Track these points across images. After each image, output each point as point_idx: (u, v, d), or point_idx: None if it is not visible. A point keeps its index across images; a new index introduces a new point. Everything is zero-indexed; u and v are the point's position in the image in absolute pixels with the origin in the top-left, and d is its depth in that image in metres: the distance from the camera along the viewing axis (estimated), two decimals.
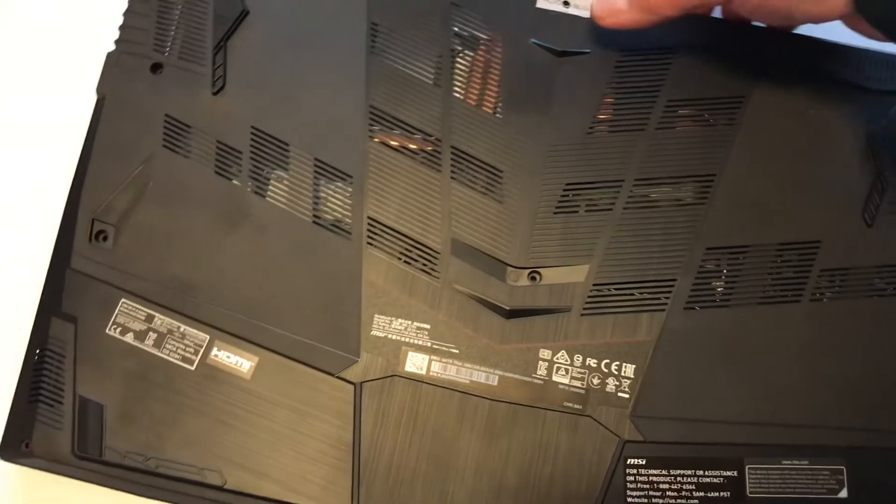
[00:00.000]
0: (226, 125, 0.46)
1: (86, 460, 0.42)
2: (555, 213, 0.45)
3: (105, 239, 0.45)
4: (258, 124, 0.46)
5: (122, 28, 0.48)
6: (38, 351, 0.43)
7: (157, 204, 0.45)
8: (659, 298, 0.44)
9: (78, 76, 0.51)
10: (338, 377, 0.43)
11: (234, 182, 0.46)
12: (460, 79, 0.47)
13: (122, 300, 0.44)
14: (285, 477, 0.42)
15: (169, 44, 0.48)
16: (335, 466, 0.42)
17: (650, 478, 0.42)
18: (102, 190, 0.45)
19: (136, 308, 0.44)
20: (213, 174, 0.46)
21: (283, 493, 0.42)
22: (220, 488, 0.42)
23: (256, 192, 0.45)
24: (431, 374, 0.43)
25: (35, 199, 0.50)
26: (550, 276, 0.45)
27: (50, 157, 0.50)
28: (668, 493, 0.42)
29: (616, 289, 0.44)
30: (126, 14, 0.48)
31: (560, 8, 0.48)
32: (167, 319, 0.44)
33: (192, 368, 0.43)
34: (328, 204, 0.45)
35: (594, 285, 0.44)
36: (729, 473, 0.42)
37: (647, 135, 0.46)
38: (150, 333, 0.44)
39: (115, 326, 0.44)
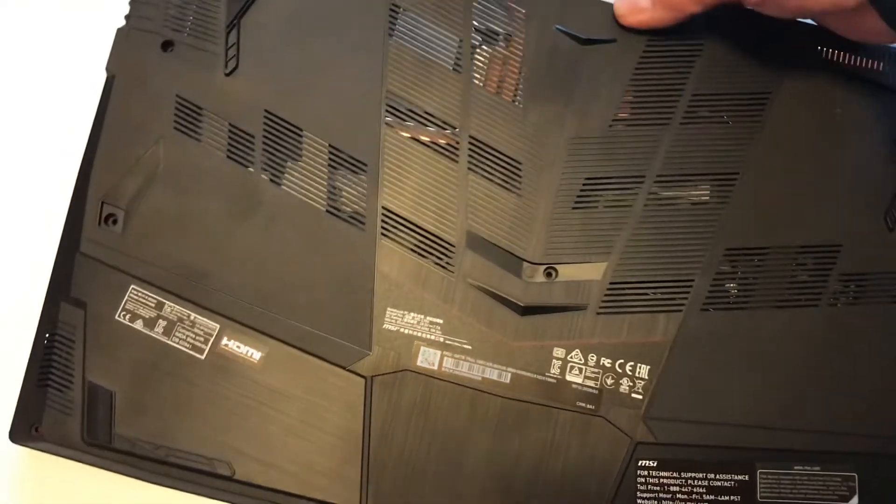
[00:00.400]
0: (238, 108, 0.45)
1: (95, 446, 0.42)
2: (573, 208, 0.44)
3: (115, 222, 0.44)
4: (271, 108, 0.45)
5: (132, 3, 0.46)
6: (47, 335, 0.43)
7: (168, 188, 0.44)
8: (676, 299, 0.43)
9: (88, 53, 0.49)
10: (349, 370, 0.43)
11: (247, 168, 0.45)
12: (481, 66, 0.46)
13: (132, 286, 0.43)
14: (294, 468, 0.42)
15: (180, 20, 0.46)
16: (344, 459, 0.42)
17: (661, 480, 0.42)
18: (112, 172, 0.44)
19: (146, 295, 0.43)
20: (225, 159, 0.45)
21: (291, 484, 0.42)
22: (229, 478, 0.42)
23: (269, 179, 0.44)
24: (443, 369, 0.43)
25: (44, 179, 0.49)
26: (567, 272, 0.44)
27: (60, 136, 0.49)
28: (678, 495, 0.42)
29: (633, 288, 0.44)
30: None
31: None
32: (177, 307, 0.43)
33: (202, 357, 0.43)
34: (342, 193, 0.45)
35: (611, 283, 0.43)
36: (740, 477, 0.42)
37: (671, 129, 0.45)
38: (160, 321, 0.43)
39: (124, 313, 0.43)
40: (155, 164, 0.45)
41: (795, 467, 0.42)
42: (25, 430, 0.42)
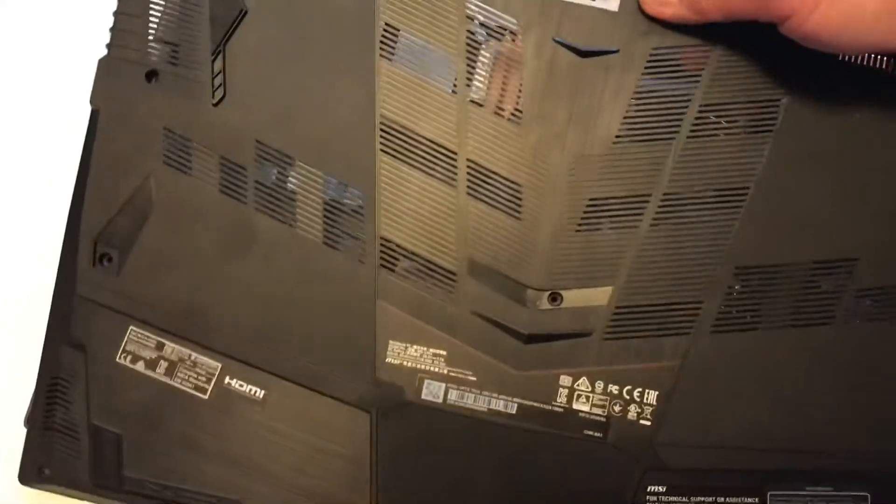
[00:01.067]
0: (228, 139, 0.44)
1: (104, 488, 0.42)
2: (577, 230, 0.43)
3: (110, 261, 0.43)
4: (262, 138, 0.44)
5: (112, 30, 0.44)
6: (49, 381, 0.43)
7: (162, 224, 0.44)
8: (684, 321, 0.42)
9: (73, 81, 0.48)
10: (353, 405, 0.42)
11: (240, 201, 0.43)
12: (477, 85, 0.44)
13: (131, 327, 0.43)
14: None
15: (164, 49, 0.44)
16: (353, 496, 0.42)
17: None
18: (104, 209, 0.44)
19: (146, 336, 0.43)
20: (218, 192, 0.43)
21: None
22: None
23: (263, 212, 0.43)
24: (449, 402, 0.42)
25: (58, 202, 0.48)
26: (572, 298, 0.43)
27: (73, 159, 0.48)
28: None
29: (640, 312, 0.42)
30: (116, 15, 0.44)
31: (586, 1, 0.43)
32: (177, 347, 0.43)
33: (206, 397, 0.43)
34: (339, 224, 0.43)
35: (617, 308, 0.42)
36: (750, 500, 0.42)
37: (678, 144, 0.43)
38: (161, 362, 0.43)
39: (125, 355, 0.43)
40: (147, 200, 0.44)
41: (807, 488, 0.42)
42: (34, 472, 0.43)
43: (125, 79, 0.44)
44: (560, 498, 0.42)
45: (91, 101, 0.44)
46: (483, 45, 0.44)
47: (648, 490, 0.42)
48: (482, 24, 0.44)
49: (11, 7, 0.53)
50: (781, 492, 0.42)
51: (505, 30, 0.43)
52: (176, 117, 0.44)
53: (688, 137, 0.43)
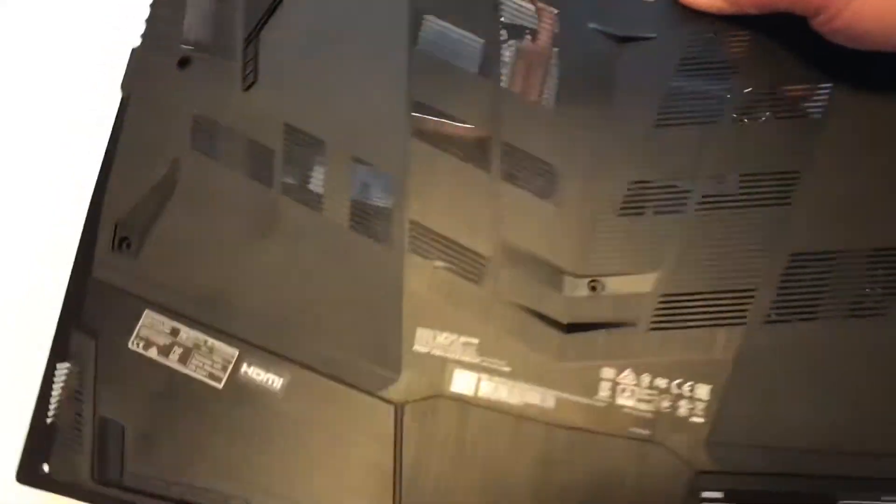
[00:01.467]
0: (257, 123, 0.43)
1: (105, 485, 0.39)
2: (619, 214, 0.40)
3: (129, 246, 0.42)
4: (292, 121, 0.43)
5: (147, 21, 0.45)
6: (56, 368, 0.40)
7: (185, 209, 0.42)
8: (736, 311, 0.39)
9: (104, 72, 0.48)
10: (377, 396, 0.39)
11: (267, 185, 0.42)
12: (511, 69, 0.43)
13: (146, 311, 0.41)
14: None
15: (197, 37, 0.44)
16: (374, 496, 0.38)
17: None
18: (127, 194, 0.42)
19: (161, 320, 0.41)
20: (244, 176, 0.42)
21: None
22: None
23: (289, 195, 0.42)
24: (480, 394, 0.39)
25: (58, 201, 0.47)
26: (614, 285, 0.40)
27: (73, 159, 0.47)
28: None
29: (688, 300, 0.39)
30: (152, 6, 0.45)
31: None
32: (193, 333, 0.40)
33: (220, 387, 0.40)
34: (367, 207, 0.42)
35: (663, 296, 0.39)
36: None
37: (722, 127, 0.41)
38: (176, 348, 0.40)
39: (138, 340, 0.40)
40: (171, 185, 0.42)
41: (883, 498, 0.37)
42: (34, 470, 0.40)
43: (157, 66, 0.44)
44: (603, 502, 0.38)
45: (122, 88, 0.44)
46: (517, 29, 0.43)
47: (702, 497, 0.37)
48: (517, 10, 0.43)
49: (11, 7, 0.53)
50: (854, 501, 0.37)
51: (541, 15, 0.43)
52: (206, 102, 0.43)
53: (733, 120, 0.41)
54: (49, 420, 0.40)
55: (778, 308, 0.39)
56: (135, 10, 0.45)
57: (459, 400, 0.39)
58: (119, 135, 0.43)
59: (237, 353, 0.40)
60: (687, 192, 0.40)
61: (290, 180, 0.42)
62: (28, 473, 0.40)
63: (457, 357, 0.39)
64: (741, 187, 0.40)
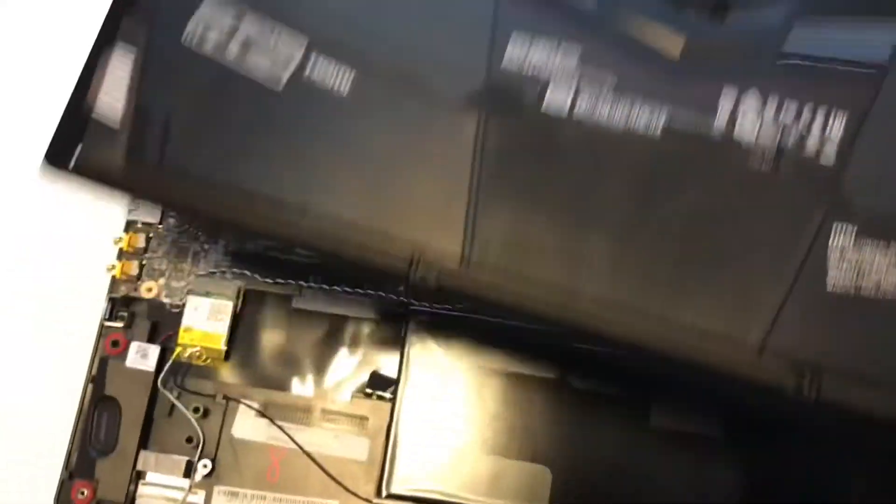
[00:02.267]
0: None
1: (140, 165, 0.34)
2: None
3: None
4: None
5: None
6: (100, 52, 0.36)
7: None
8: (881, 39, 0.34)
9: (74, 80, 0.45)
10: (459, 104, 0.34)
11: None
12: None
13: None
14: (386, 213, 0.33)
15: None
16: (446, 206, 0.33)
17: (862, 253, 0.31)
18: None
19: (223, 8, 0.36)
20: None
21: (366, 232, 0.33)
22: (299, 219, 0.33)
23: None
24: (577, 110, 0.34)
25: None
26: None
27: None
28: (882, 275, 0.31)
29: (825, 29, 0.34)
30: None
31: None
32: (259, 19, 0.36)
33: (279, 89, 0.35)
34: None
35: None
36: None
37: None
38: (235, 39, 0.36)
39: (196, 26, 0.36)
40: None
41: None
42: (64, 153, 0.35)
43: None
44: (714, 237, 0.32)
45: None
46: None
47: (833, 227, 0.32)
48: None
49: (12, 7, 0.52)
50: None
51: None
52: None
53: None
54: (86, 104, 0.35)
55: None
56: None
57: (552, 115, 0.34)
58: None
59: (303, 48, 0.35)
60: None
61: None
62: (59, 156, 0.35)
63: (553, 66, 0.34)
64: None
